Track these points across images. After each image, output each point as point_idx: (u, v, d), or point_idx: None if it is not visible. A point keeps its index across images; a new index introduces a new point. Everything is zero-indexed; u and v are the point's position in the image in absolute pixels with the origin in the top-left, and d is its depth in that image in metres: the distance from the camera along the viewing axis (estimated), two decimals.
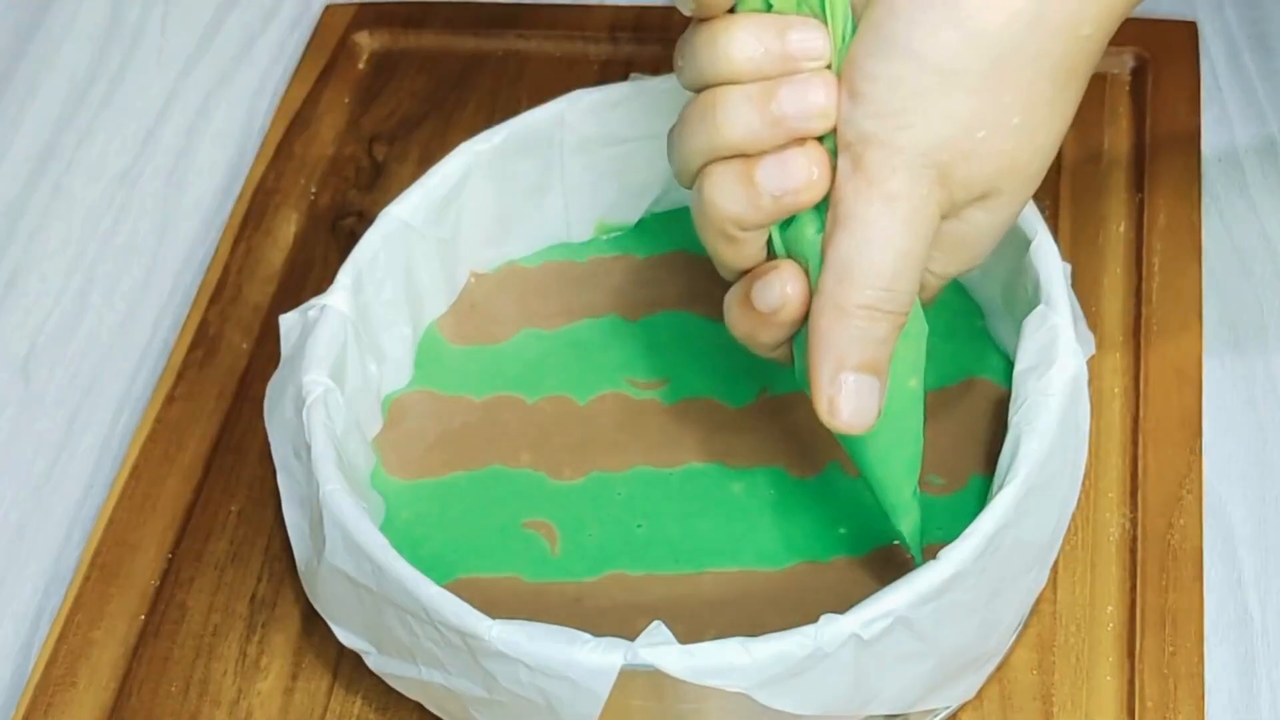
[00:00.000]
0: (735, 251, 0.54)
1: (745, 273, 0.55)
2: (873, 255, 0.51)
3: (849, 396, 0.52)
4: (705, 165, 0.54)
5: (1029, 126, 0.52)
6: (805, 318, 0.53)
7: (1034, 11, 0.51)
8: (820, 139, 0.53)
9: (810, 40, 0.52)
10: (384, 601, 0.55)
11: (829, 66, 0.52)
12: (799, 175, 0.52)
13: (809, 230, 0.53)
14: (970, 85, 0.51)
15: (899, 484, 0.57)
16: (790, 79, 0.52)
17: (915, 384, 0.55)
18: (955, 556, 0.53)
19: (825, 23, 0.52)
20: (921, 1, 0.51)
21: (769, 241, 0.54)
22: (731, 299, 0.55)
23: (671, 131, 0.55)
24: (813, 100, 0.52)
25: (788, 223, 0.53)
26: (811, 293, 0.53)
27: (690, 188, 0.55)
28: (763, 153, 0.53)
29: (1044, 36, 0.51)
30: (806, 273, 0.53)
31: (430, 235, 0.65)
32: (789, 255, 0.54)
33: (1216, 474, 0.64)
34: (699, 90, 0.54)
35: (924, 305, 0.55)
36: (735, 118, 0.52)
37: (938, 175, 0.51)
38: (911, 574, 0.53)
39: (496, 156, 0.66)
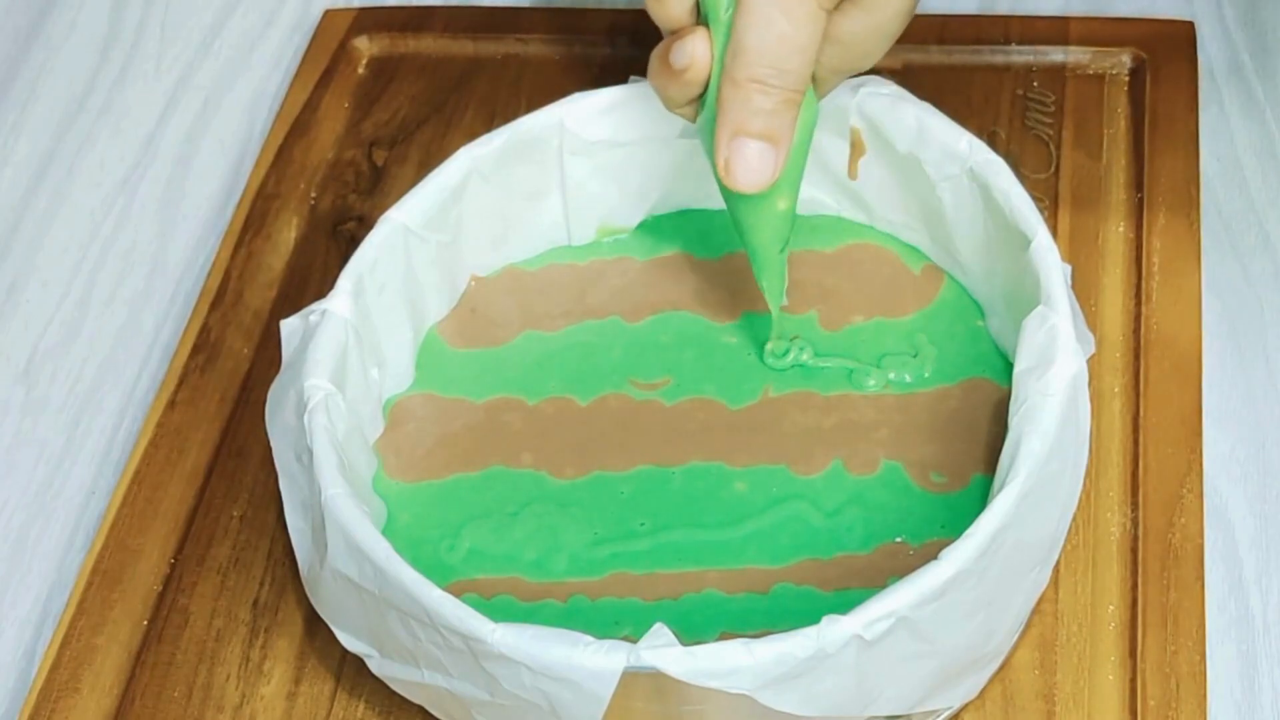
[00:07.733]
0: (661, 8, 0.60)
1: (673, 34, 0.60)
2: (758, 37, 0.57)
3: (741, 159, 0.58)
4: None
5: None
6: (708, 80, 0.59)
7: None
8: None
9: None
10: (386, 605, 0.55)
11: None
12: None
13: (720, 7, 0.58)
14: None
15: (767, 250, 0.62)
16: None
17: (784, 206, 0.60)
18: (957, 556, 0.53)
19: None
20: None
21: (699, 12, 0.59)
22: (655, 54, 0.60)
23: None
24: None
25: None
26: (713, 60, 0.59)
27: None
28: None
29: None
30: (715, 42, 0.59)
31: (430, 239, 0.65)
32: (707, 26, 0.59)
33: (1217, 473, 0.64)
34: None
35: (819, 96, 0.61)
36: None
37: None
38: (914, 574, 0.52)
39: (496, 160, 0.66)
